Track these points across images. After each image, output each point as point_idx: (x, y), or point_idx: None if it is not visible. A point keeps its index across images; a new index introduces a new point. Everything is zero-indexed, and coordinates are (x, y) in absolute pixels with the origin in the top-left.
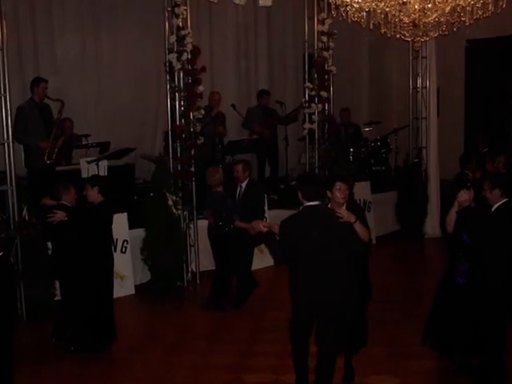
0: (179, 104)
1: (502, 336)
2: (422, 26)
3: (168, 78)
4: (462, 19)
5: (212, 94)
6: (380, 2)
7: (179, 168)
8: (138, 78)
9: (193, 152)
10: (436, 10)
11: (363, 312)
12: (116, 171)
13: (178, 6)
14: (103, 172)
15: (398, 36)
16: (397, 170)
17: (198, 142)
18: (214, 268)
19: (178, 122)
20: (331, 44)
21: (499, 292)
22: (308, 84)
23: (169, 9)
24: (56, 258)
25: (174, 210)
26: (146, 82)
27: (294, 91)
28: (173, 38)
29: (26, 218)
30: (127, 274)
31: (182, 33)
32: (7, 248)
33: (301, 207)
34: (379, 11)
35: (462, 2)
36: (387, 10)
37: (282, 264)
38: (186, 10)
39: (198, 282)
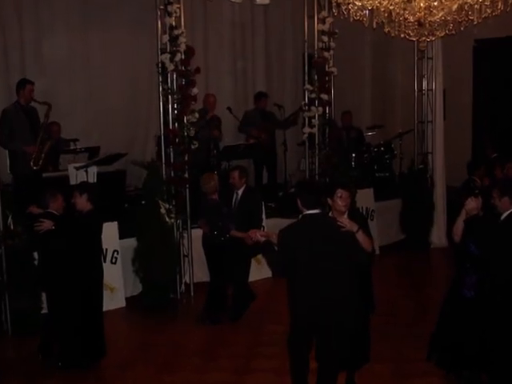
0: (172, 107)
1: None
2: (427, 25)
3: (160, 79)
4: (470, 18)
5: (207, 96)
6: None
7: (172, 174)
8: (129, 80)
9: (187, 157)
10: (442, 9)
11: (366, 325)
12: (106, 178)
13: (170, 3)
14: (92, 179)
15: (402, 35)
16: (401, 176)
17: (192, 146)
18: (208, 280)
19: (171, 126)
20: (332, 44)
21: (509, 304)
22: (308, 86)
23: (161, 7)
24: (43, 269)
25: (167, 219)
26: (138, 84)
27: (293, 93)
28: (165, 38)
29: (11, 226)
30: (117, 285)
31: (176, 32)
32: None
33: (300, 216)
34: (383, 9)
35: (469, 0)
36: (391, 8)
37: (280, 276)
38: (179, 8)
39: (192, 294)
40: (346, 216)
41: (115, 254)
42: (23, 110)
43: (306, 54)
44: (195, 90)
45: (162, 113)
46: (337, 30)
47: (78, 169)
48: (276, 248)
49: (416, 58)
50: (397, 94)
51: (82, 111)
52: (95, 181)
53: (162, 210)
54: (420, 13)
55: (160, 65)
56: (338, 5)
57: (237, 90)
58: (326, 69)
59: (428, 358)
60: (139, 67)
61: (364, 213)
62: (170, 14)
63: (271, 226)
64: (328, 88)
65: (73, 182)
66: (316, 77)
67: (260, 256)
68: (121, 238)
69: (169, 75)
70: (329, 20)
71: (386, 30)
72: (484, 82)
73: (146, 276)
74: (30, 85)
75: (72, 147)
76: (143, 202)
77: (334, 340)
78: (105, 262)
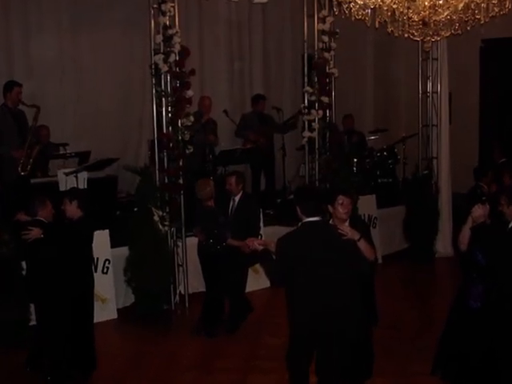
0: (166, 110)
1: None
2: (432, 25)
3: (154, 81)
4: (477, 17)
5: (202, 98)
6: None
7: (166, 180)
8: (121, 82)
9: (181, 163)
10: (448, 7)
11: (368, 338)
12: (97, 184)
13: (164, 2)
14: (83, 185)
15: (406, 35)
16: (405, 182)
17: (187, 151)
18: (204, 290)
19: (164, 130)
20: (333, 44)
21: None
22: (307, 88)
23: (155, 6)
24: (31, 279)
25: (161, 227)
26: (130, 86)
27: (292, 96)
28: (159, 38)
29: None
30: (109, 296)
31: (170, 32)
32: None
33: (299, 223)
34: (385, 8)
35: None
36: (394, 6)
37: (278, 286)
38: (173, 6)
39: (186, 305)
40: (347, 224)
41: (107, 264)
42: (11, 113)
43: (305, 54)
44: (190, 93)
45: (156, 116)
46: (338, 30)
47: (67, 174)
48: (274, 257)
49: (420, 59)
50: (400, 97)
51: (72, 114)
52: (86, 187)
53: (156, 218)
54: (424, 12)
55: (153, 66)
56: (339, 3)
57: (233, 92)
58: (327, 70)
59: (433, 372)
60: (131, 69)
61: (366, 220)
62: (163, 13)
63: (269, 234)
64: (328, 90)
65: (62, 188)
66: (316, 78)
67: (258, 265)
68: (112, 246)
69: (162, 77)
70: (329, 19)
71: (389, 29)
72: (492, 83)
73: (138, 286)
74: (18, 87)
75: (61, 152)
76: (136, 209)
77: (335, 349)
78: (96, 271)
